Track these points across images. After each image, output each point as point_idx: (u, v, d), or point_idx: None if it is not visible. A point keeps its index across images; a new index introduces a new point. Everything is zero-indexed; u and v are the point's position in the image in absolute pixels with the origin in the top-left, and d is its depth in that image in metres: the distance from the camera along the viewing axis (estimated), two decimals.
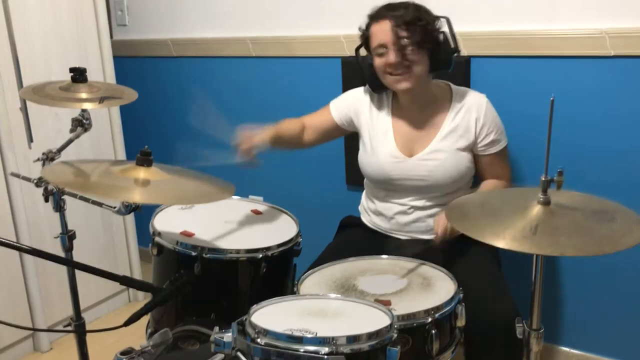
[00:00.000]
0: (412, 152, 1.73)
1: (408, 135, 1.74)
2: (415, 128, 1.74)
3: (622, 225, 1.06)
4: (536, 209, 1.09)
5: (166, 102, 2.76)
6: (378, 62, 1.65)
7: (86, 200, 1.56)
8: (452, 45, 1.64)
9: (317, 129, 1.88)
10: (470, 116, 1.70)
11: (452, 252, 1.64)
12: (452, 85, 1.77)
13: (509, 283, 1.60)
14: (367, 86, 1.82)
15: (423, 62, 1.62)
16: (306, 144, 1.89)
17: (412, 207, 1.75)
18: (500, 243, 1.02)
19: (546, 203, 1.09)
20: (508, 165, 1.79)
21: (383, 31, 1.61)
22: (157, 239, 1.60)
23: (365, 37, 1.70)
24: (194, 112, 1.64)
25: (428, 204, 1.74)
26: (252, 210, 1.80)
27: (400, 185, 1.74)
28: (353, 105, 1.83)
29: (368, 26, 1.67)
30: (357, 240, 1.84)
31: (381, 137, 1.76)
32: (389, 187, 1.77)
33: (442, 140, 1.70)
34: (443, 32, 1.64)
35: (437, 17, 1.64)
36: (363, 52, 1.74)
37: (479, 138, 1.70)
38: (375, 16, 1.65)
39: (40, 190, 1.54)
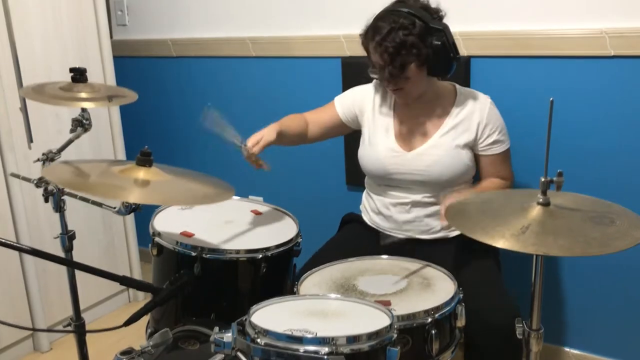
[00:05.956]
0: (411, 147, 1.73)
1: (409, 131, 1.74)
2: (416, 124, 1.74)
3: (619, 228, 1.05)
4: (535, 210, 1.08)
5: (166, 102, 2.76)
6: (376, 75, 1.64)
7: (86, 200, 1.56)
8: (451, 54, 1.60)
9: (321, 125, 1.88)
10: (473, 115, 1.70)
11: (453, 253, 1.64)
12: (457, 86, 1.77)
13: (507, 285, 1.60)
14: (372, 82, 1.83)
15: (417, 79, 1.61)
16: (309, 139, 1.89)
17: (410, 204, 1.74)
18: (488, 239, 1.03)
19: (545, 204, 1.08)
20: (510, 168, 1.79)
21: (374, 54, 1.60)
22: (157, 239, 1.61)
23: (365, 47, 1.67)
24: (204, 123, 1.62)
25: (427, 201, 1.74)
26: (252, 211, 1.80)
27: (398, 180, 1.74)
28: (359, 102, 1.83)
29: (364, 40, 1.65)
30: (358, 237, 1.84)
31: (382, 132, 1.76)
32: (388, 183, 1.77)
33: (442, 137, 1.70)
34: (441, 42, 1.57)
35: (433, 29, 1.57)
36: None
37: (481, 137, 1.70)
38: (366, 36, 1.63)
39: (40, 190, 1.54)
